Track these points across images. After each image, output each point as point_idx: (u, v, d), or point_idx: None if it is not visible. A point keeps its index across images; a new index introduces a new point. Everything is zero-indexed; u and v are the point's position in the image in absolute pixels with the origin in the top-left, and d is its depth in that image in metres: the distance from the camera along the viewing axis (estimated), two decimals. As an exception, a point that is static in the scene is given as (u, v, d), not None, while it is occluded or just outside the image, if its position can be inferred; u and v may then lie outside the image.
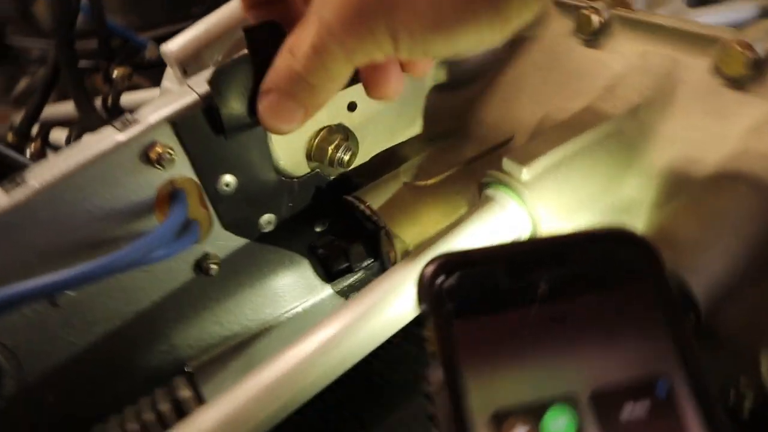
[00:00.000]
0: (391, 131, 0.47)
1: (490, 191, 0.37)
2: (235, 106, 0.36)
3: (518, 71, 0.48)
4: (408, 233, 0.41)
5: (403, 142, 0.49)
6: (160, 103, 0.38)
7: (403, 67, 0.36)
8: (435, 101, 0.48)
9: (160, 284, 0.42)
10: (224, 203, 0.41)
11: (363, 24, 0.27)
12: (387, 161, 0.48)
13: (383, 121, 0.46)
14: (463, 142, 0.46)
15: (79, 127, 0.59)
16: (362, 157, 0.47)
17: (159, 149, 0.36)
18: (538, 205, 0.36)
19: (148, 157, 0.36)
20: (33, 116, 0.63)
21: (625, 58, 0.43)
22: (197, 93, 0.37)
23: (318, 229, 0.48)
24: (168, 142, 0.37)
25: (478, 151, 0.45)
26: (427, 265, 0.25)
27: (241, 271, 0.45)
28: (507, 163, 0.36)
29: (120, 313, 0.41)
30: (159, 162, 0.36)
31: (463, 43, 0.27)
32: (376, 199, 0.42)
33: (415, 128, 0.49)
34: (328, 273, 0.41)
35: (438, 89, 0.48)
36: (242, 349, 0.48)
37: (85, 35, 0.66)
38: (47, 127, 0.65)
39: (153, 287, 0.41)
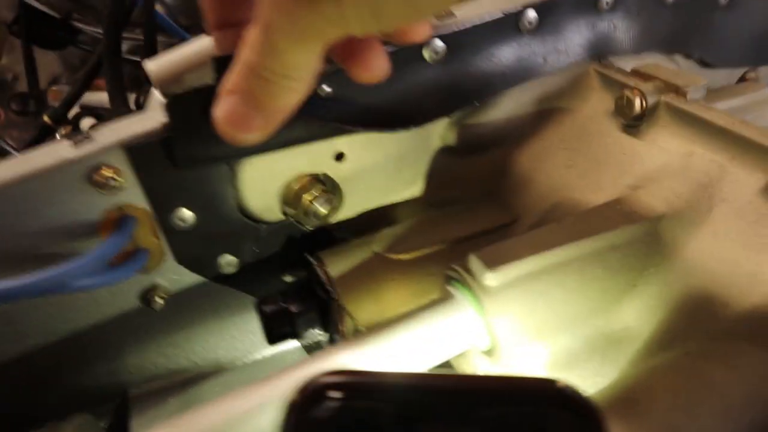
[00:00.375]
0: (386, 189, 0.43)
1: (451, 288, 0.32)
2: (192, 137, 0.33)
3: (541, 146, 0.42)
4: (364, 311, 0.37)
5: (398, 204, 0.44)
6: (122, 124, 0.35)
7: (396, 36, 0.32)
8: (441, 164, 0.43)
9: (101, 308, 0.39)
10: (178, 238, 0.38)
11: None
12: (377, 221, 0.44)
13: (378, 176, 0.42)
14: (460, 216, 0.41)
15: (107, 119, 0.58)
16: (348, 212, 0.43)
17: (106, 173, 0.34)
18: (499, 318, 0.30)
19: (94, 179, 0.34)
20: (71, 101, 0.64)
21: (665, 154, 0.36)
22: (159, 119, 0.34)
23: (288, 279, 0.44)
24: (119, 166, 0.34)
25: (471, 229, 0.39)
26: (303, 387, 0.21)
27: (194, 309, 0.42)
28: (473, 261, 0.30)
29: (55, 330, 0.39)
30: (102, 186, 0.34)
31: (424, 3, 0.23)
32: (338, 264, 0.38)
33: (415, 189, 0.44)
34: (268, 334, 0.37)
35: (447, 152, 0.43)
36: (187, 386, 0.45)
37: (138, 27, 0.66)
38: (85, 113, 0.66)
39: (93, 310, 0.39)
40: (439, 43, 0.37)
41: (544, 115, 0.42)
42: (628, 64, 0.42)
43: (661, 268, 0.32)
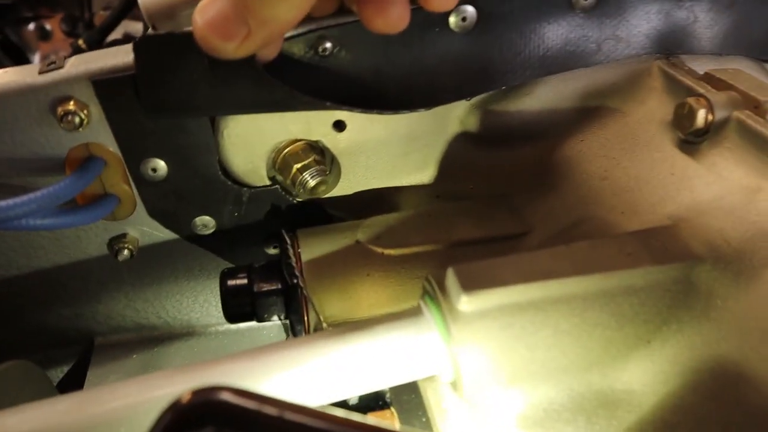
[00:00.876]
0: (391, 170, 0.37)
1: (422, 302, 0.27)
2: (160, 85, 0.29)
3: (577, 149, 0.35)
4: (331, 306, 0.32)
5: (401, 189, 0.38)
6: (97, 55, 0.32)
7: None
8: (456, 152, 0.37)
9: (66, 250, 0.37)
10: (149, 188, 0.35)
11: None
12: (376, 205, 0.39)
13: (381, 154, 0.37)
14: (466, 216, 0.35)
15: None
16: (344, 189, 0.38)
17: (70, 106, 0.30)
18: (466, 351, 0.25)
19: (57, 111, 0.31)
20: (107, 28, 0.62)
21: (724, 184, 0.29)
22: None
23: (270, 251, 0.40)
24: (86, 101, 0.31)
25: (475, 233, 0.34)
26: (176, 404, 0.17)
27: (166, 266, 0.39)
28: (450, 277, 0.25)
29: (18, 264, 0.37)
30: (63, 120, 0.30)
31: None
32: (314, 247, 0.33)
33: (423, 175, 0.38)
34: (225, 311, 0.33)
35: (465, 139, 0.37)
36: (154, 344, 0.43)
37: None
38: (120, 42, 0.64)
39: (56, 251, 0.37)
40: (469, 9, 0.31)
41: (586, 112, 0.35)
42: (703, 66, 0.34)
43: (687, 326, 0.26)
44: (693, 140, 0.31)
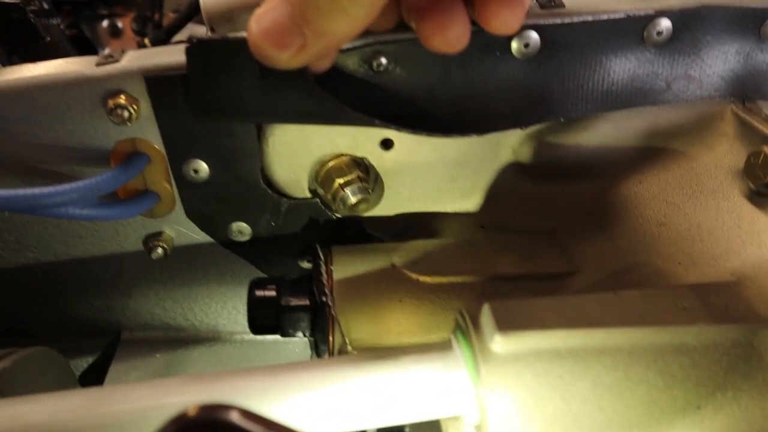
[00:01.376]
0: (435, 194, 0.36)
1: (453, 337, 0.25)
2: (211, 88, 0.29)
3: (635, 191, 0.33)
4: (358, 329, 0.31)
5: (446, 215, 0.37)
6: (154, 51, 0.32)
7: (483, 16, 0.26)
8: (507, 182, 0.36)
9: (103, 242, 0.37)
10: (189, 189, 0.34)
11: None
12: (417, 228, 0.37)
13: (428, 177, 0.35)
14: (510, 249, 0.33)
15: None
16: (386, 209, 0.37)
17: (121, 100, 0.30)
18: (496, 395, 0.23)
19: (108, 104, 0.31)
20: (173, 30, 0.63)
21: (798, 243, 0.27)
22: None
23: (304, 265, 0.39)
24: (137, 96, 0.31)
25: (517, 268, 0.32)
26: (179, 417, 0.16)
27: (198, 268, 0.39)
28: (485, 314, 0.24)
29: (55, 251, 0.37)
30: (117, 114, 0.30)
31: None
32: (347, 266, 0.32)
33: (469, 203, 0.37)
34: (250, 322, 0.32)
35: (517, 169, 0.35)
36: (179, 345, 0.42)
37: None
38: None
39: (94, 241, 0.37)
40: (533, 35, 0.30)
41: (648, 153, 0.33)
42: (783, 114, 0.31)
43: (745, 396, 0.24)
44: (765, 192, 0.29)
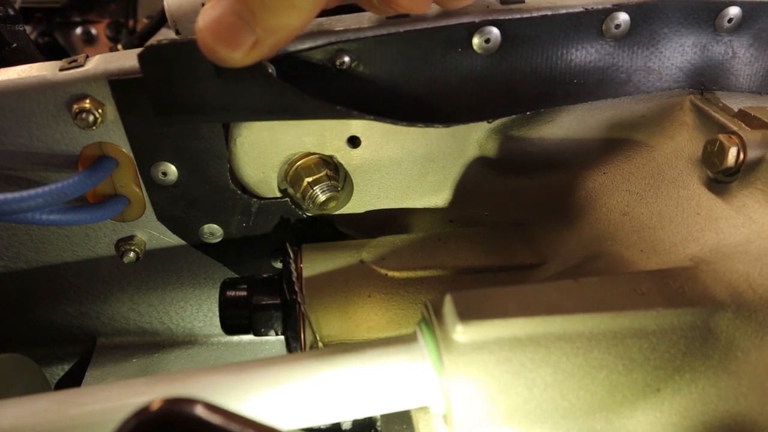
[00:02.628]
0: (405, 191, 0.37)
1: (419, 328, 0.26)
2: (169, 93, 0.29)
3: (599, 182, 0.34)
4: (330, 324, 0.31)
5: (415, 210, 0.37)
6: (118, 56, 0.32)
7: None
8: (473, 176, 0.36)
9: (73, 247, 0.37)
10: (159, 192, 0.34)
11: None
12: (387, 224, 0.38)
13: (397, 174, 0.36)
14: (478, 242, 0.34)
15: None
16: (356, 207, 0.37)
17: (86, 104, 0.31)
18: (459, 384, 0.23)
19: (73, 109, 0.31)
20: (145, 36, 0.64)
21: (753, 227, 0.27)
22: (152, 58, 0.30)
23: (276, 264, 0.39)
24: (102, 100, 0.31)
25: (485, 261, 0.32)
26: (141, 410, 0.16)
27: (171, 271, 0.39)
28: (447, 304, 0.24)
29: (26, 258, 0.37)
30: (77, 117, 0.30)
31: None
32: (317, 263, 0.32)
33: (438, 198, 0.37)
34: (222, 322, 0.33)
35: (483, 163, 0.36)
36: (155, 350, 0.42)
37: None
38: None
39: (65, 247, 0.37)
40: (494, 31, 0.30)
41: (610, 144, 0.34)
42: (740, 104, 0.32)
43: (702, 377, 0.24)
44: (722, 179, 0.29)
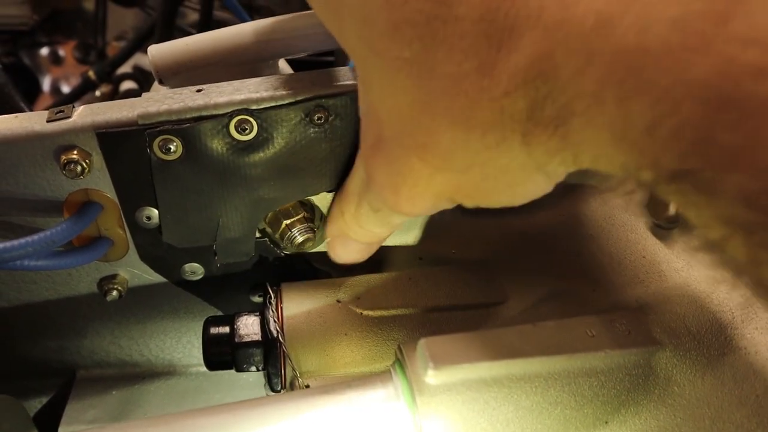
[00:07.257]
0: (377, 229, 0.39)
1: (393, 369, 0.28)
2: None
3: (556, 221, 0.37)
4: (309, 361, 0.33)
5: (388, 248, 0.40)
6: (104, 107, 0.33)
7: None
8: (442, 216, 0.38)
9: (57, 287, 0.38)
10: (142, 235, 0.36)
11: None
12: (361, 262, 0.40)
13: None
14: (446, 281, 0.36)
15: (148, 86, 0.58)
16: (332, 245, 0.39)
17: (74, 155, 0.32)
18: (432, 422, 0.26)
19: (61, 159, 0.32)
20: (117, 62, 0.64)
21: (691, 272, 0.31)
22: (138, 109, 0.32)
23: (255, 299, 0.41)
24: (90, 150, 0.32)
25: (451, 299, 0.35)
26: None
27: (153, 307, 0.40)
28: (421, 349, 0.26)
29: (7, 297, 0.38)
30: (66, 168, 0.32)
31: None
32: (296, 303, 0.34)
33: (408, 237, 0.40)
34: (205, 358, 0.34)
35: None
36: (134, 382, 0.43)
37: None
38: (127, 77, 0.66)
39: (47, 286, 0.38)
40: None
41: (570, 189, 0.37)
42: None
43: (644, 410, 0.27)
44: (665, 226, 0.33)
